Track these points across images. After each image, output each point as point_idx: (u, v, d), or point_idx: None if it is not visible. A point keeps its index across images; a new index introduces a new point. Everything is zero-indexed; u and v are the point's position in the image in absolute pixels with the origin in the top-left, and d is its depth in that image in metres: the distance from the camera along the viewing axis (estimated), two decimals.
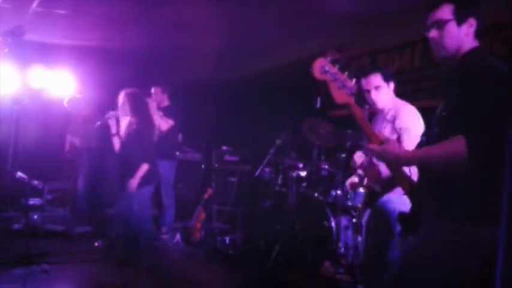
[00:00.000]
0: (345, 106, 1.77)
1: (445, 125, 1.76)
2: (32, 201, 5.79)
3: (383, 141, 1.78)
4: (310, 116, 4.58)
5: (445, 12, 1.77)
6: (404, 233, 1.88)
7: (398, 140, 2.71)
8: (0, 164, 5.69)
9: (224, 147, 6.18)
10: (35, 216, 5.46)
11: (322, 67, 1.71)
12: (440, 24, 1.77)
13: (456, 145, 1.58)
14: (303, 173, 4.52)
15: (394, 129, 2.77)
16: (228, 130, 6.91)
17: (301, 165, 4.58)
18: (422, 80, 4.43)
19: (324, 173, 4.45)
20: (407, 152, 1.80)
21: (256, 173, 4.92)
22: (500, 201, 1.13)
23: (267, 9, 4.40)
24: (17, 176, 5.49)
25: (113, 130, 3.95)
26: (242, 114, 6.76)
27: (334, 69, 1.72)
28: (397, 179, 1.88)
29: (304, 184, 4.54)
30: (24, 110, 4.82)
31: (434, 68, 4.19)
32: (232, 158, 6.03)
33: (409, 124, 2.74)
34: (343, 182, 4.29)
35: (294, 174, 4.56)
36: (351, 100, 1.74)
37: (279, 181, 4.82)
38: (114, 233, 4.44)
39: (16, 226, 5.34)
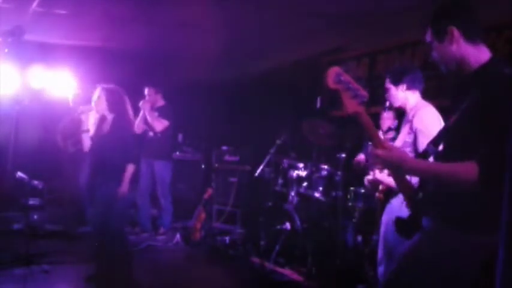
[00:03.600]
0: (354, 115, 1.72)
1: (457, 138, 1.71)
2: (32, 201, 5.79)
3: (388, 148, 1.72)
4: (310, 116, 4.58)
5: (428, 35, 1.83)
6: (401, 237, 1.86)
7: (415, 140, 2.67)
8: (0, 164, 5.68)
9: (224, 147, 6.18)
10: (35, 216, 5.45)
11: (337, 76, 1.66)
12: (430, 47, 1.84)
13: (468, 171, 1.53)
14: (303, 173, 4.52)
15: (411, 129, 2.73)
16: (228, 130, 6.90)
17: (301, 165, 4.58)
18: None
19: (324, 173, 4.45)
20: (414, 161, 1.75)
21: (256, 173, 4.92)
22: (501, 207, 1.13)
23: (267, 9, 4.40)
24: (17, 176, 5.49)
25: (85, 126, 3.66)
26: (242, 114, 6.75)
27: (348, 78, 1.68)
28: (399, 185, 1.86)
29: (304, 184, 4.54)
30: (24, 110, 4.81)
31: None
32: (232, 158, 6.03)
33: (424, 126, 2.67)
34: (343, 182, 4.29)
35: (294, 174, 4.56)
36: (361, 109, 1.71)
37: (279, 181, 4.81)
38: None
39: (16, 226, 5.33)
